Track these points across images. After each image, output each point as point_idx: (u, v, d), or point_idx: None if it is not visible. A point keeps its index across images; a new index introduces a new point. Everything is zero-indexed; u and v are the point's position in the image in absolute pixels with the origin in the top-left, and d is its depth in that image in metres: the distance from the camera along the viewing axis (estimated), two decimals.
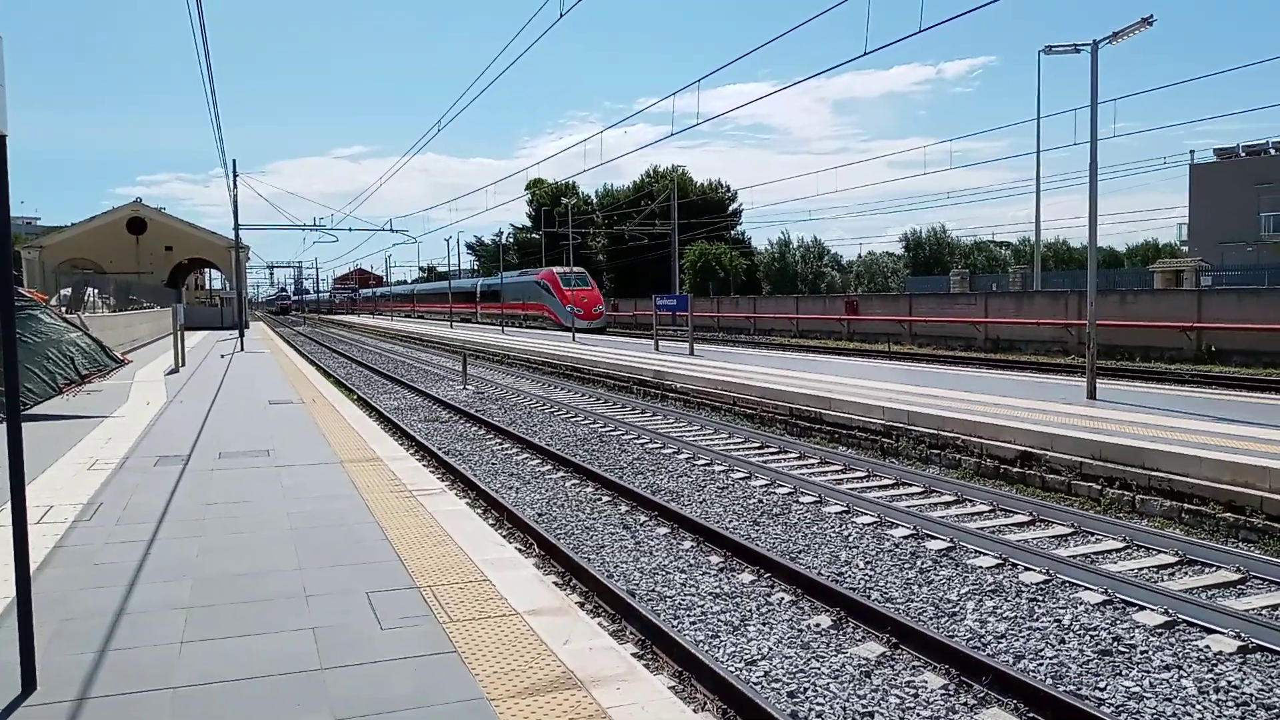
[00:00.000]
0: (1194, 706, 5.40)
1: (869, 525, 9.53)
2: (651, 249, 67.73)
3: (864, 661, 6.09)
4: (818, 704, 5.51)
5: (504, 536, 7.72)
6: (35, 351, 14.69)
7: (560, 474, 12.62)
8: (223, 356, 28.14)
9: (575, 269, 55.29)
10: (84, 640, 4.77)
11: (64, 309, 23.74)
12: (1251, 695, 5.52)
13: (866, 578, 7.90)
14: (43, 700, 4.05)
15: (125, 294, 36.43)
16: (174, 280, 57.85)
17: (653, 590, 7.64)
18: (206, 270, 72.81)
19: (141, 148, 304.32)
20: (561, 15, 15.00)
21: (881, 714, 5.37)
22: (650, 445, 14.76)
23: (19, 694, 4.09)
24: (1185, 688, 5.64)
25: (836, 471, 12.48)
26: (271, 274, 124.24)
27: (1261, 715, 5.31)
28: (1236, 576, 7.66)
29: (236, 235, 41.70)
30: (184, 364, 24.02)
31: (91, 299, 31.27)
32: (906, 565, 8.21)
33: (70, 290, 30.22)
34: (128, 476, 9.26)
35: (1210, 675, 5.80)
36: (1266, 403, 14.40)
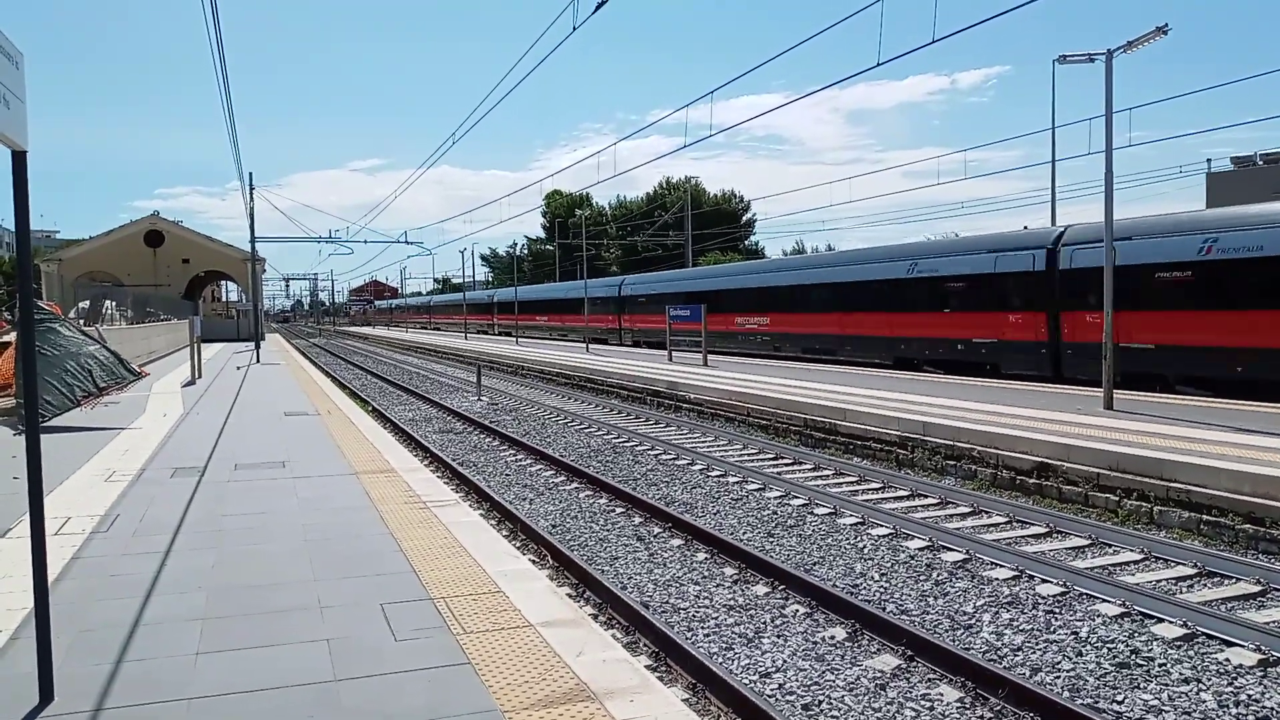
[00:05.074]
0: None
1: (884, 537, 9.49)
2: (665, 260, 67.79)
3: (879, 674, 6.05)
4: (833, 717, 5.48)
5: (518, 548, 7.73)
6: (54, 364, 14.83)
7: (574, 485, 12.62)
8: (239, 368, 28.33)
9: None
10: (101, 651, 4.80)
11: (82, 322, 23.95)
12: (1272, 709, 5.45)
13: (882, 590, 7.86)
14: (60, 711, 4.08)
15: (143, 306, 36.76)
16: (191, 293, 58.40)
17: (666, 602, 7.62)
18: (223, 282, 73.46)
19: (159, 161, 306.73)
20: (575, 28, 15.10)
21: None
22: (664, 456, 14.75)
23: (37, 705, 4.12)
24: (1204, 701, 5.58)
25: (852, 483, 12.43)
26: (287, 286, 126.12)
27: None
28: (1256, 589, 7.58)
29: (253, 248, 42.01)
30: (200, 376, 24.21)
31: (109, 311, 31.55)
32: (922, 577, 8.17)
33: (88, 303, 30.54)
34: (144, 488, 9.32)
35: (1230, 688, 5.73)
36: None
